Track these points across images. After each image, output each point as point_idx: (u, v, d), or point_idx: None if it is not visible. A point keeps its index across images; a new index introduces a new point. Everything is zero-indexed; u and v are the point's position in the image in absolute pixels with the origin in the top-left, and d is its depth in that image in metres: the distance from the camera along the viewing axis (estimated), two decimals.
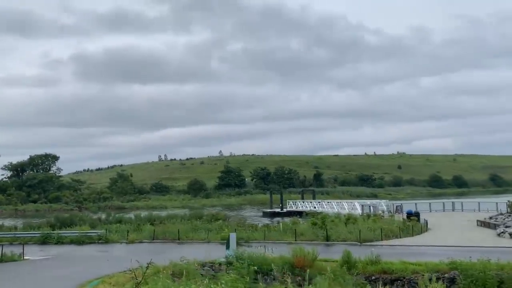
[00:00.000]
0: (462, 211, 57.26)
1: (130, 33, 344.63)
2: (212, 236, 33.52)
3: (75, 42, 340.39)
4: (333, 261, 20.77)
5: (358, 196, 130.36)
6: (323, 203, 68.13)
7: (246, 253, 20.42)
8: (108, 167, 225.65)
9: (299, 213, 71.55)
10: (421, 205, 56.89)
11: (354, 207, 59.13)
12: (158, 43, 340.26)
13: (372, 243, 29.34)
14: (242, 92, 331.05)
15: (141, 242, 34.15)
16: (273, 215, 73.40)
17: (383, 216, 42.87)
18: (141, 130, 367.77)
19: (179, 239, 33.55)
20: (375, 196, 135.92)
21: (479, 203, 56.85)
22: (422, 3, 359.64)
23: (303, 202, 75.27)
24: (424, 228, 35.14)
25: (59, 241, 35.56)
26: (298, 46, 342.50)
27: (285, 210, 75.82)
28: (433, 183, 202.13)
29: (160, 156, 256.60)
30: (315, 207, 69.37)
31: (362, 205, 54.93)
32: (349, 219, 37.36)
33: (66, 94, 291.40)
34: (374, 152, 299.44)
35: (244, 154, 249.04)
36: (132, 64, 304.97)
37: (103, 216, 49.08)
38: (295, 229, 31.95)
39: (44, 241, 35.80)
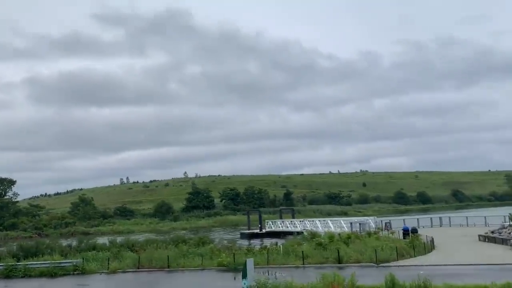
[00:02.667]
0: (450, 226, 55.96)
1: (85, 56, 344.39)
2: (207, 262, 29.84)
3: (28, 66, 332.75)
4: (371, 287, 17.76)
5: (329, 214, 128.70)
6: (306, 222, 65.17)
7: (270, 283, 17.18)
8: (68, 192, 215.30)
9: (280, 234, 68.53)
10: (409, 221, 54.99)
11: (340, 225, 56.64)
12: (114, 66, 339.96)
13: (389, 264, 26.60)
14: (202, 114, 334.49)
15: (124, 271, 30.00)
16: (252, 236, 69.87)
17: (377, 234, 40.30)
18: (100, 153, 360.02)
19: (168, 267, 29.63)
20: (345, 214, 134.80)
21: (467, 217, 55.79)
22: (369, 29, 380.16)
23: (283, 222, 72.02)
24: (430, 246, 32.73)
25: (27, 274, 30.93)
26: (255, 70, 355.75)
27: (264, 231, 72.43)
28: (398, 200, 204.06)
29: (122, 179, 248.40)
30: (296, 227, 66.49)
31: (351, 223, 52.39)
32: (350, 237, 34.51)
33: (20, 117, 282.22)
34: (338, 171, 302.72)
35: (210, 175, 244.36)
36: (88, 87, 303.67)
37: (74, 243, 44.06)
38: (302, 251, 28.75)
39: (8, 274, 30.99)
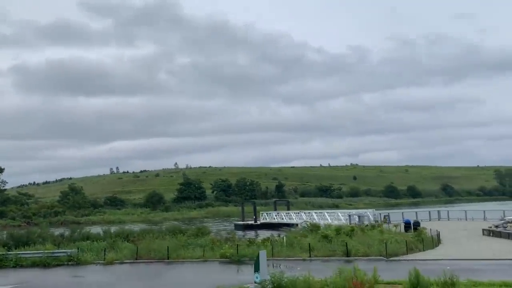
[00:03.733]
0: (449, 220, 55.45)
1: (73, 45, 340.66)
2: (208, 253, 28.67)
3: (15, 53, 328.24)
4: (394, 283, 16.73)
5: (320, 207, 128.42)
6: (302, 214, 64.29)
7: (286, 278, 16.09)
8: (56, 180, 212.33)
9: (275, 225, 67.59)
10: (407, 214, 54.34)
11: (337, 217, 55.87)
12: (103, 55, 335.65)
13: (399, 258, 25.70)
14: (191, 105, 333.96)
15: (122, 262, 28.71)
16: (247, 228, 68.88)
17: (380, 227, 39.44)
18: (88, 142, 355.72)
19: (168, 258, 28.40)
20: (336, 207, 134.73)
21: (465, 211, 55.27)
22: (358, 25, 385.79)
23: (278, 214, 71.10)
24: (437, 240, 31.89)
25: (18, 264, 29.50)
26: (245, 62, 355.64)
27: (258, 222, 71.49)
28: (388, 193, 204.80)
29: (112, 169, 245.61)
30: (292, 219, 65.61)
31: (350, 216, 51.59)
32: (353, 230, 33.56)
33: (7, 105, 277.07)
34: (329, 164, 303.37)
35: (201, 166, 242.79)
36: (76, 76, 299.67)
37: (67, 232, 42.58)
38: (308, 244, 27.70)
39: None
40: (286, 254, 26.95)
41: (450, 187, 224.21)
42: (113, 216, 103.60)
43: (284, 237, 30.93)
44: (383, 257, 25.63)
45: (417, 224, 40.30)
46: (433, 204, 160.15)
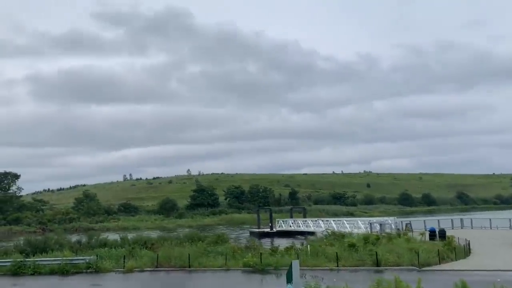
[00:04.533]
0: (472, 228, 53.78)
1: (86, 54, 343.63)
2: (230, 262, 27.76)
3: (29, 63, 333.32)
4: None
5: (335, 215, 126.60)
6: (320, 221, 63.02)
7: None
8: (70, 187, 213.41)
9: (292, 233, 66.43)
10: (429, 222, 52.88)
11: (357, 225, 54.54)
12: (115, 64, 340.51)
13: (432, 268, 24.52)
14: (202, 113, 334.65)
15: (142, 270, 27.91)
16: (262, 235, 67.75)
17: (406, 235, 38.18)
18: (101, 150, 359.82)
19: (189, 267, 27.54)
20: (351, 215, 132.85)
21: (490, 219, 53.61)
22: (367, 32, 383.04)
23: (294, 221, 69.89)
24: (467, 249, 30.55)
25: (36, 271, 28.85)
26: (255, 70, 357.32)
27: (274, 230, 70.36)
28: (403, 201, 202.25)
29: (125, 175, 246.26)
30: (309, 226, 64.39)
31: (371, 223, 50.29)
32: (378, 239, 32.41)
33: (22, 113, 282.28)
34: (342, 171, 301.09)
35: (213, 173, 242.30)
36: (89, 85, 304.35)
37: (84, 239, 42.01)
38: (336, 253, 26.64)
39: (16, 271, 28.96)
40: (312, 264, 25.89)
41: (466, 195, 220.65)
42: (127, 222, 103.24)
43: (308, 246, 29.86)
44: (415, 267, 24.48)
45: (443, 232, 38.99)
46: (449, 212, 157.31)
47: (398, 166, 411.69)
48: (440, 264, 25.33)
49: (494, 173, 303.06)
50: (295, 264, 17.47)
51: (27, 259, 30.58)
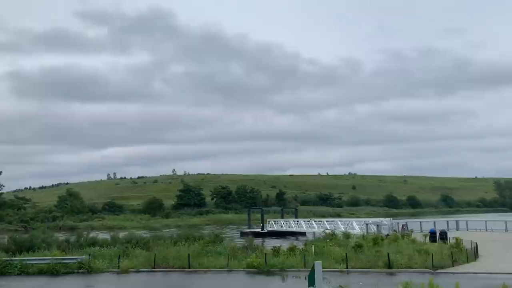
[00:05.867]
0: (467, 230, 53.26)
1: (69, 52, 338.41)
2: (233, 262, 26.30)
3: (11, 60, 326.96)
4: None
5: (322, 216, 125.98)
6: (313, 222, 61.89)
7: None
8: (53, 185, 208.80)
9: (283, 234, 65.20)
10: (426, 224, 52.28)
11: (351, 226, 53.53)
12: (98, 63, 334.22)
13: (445, 270, 23.43)
14: (187, 113, 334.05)
15: (138, 271, 26.26)
16: (253, 236, 66.33)
17: (408, 236, 37.21)
18: (84, 148, 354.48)
19: (189, 267, 25.99)
20: (338, 216, 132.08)
21: (485, 222, 53.16)
22: (349, 37, 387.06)
23: (286, 221, 68.64)
24: (475, 252, 29.61)
25: (23, 271, 26.94)
26: (239, 71, 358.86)
27: (265, 230, 69.04)
28: (388, 203, 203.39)
29: (109, 174, 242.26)
30: (301, 227, 63.24)
31: (367, 224, 49.32)
32: (382, 240, 31.30)
33: (4, 110, 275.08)
34: (327, 173, 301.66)
35: (199, 173, 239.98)
36: (71, 83, 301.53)
37: (73, 237, 40.01)
38: (345, 254, 25.36)
39: (1, 271, 26.96)
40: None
41: (450, 198, 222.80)
42: (113, 222, 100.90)
43: (313, 246, 28.57)
44: (429, 270, 23.35)
45: (444, 234, 38.17)
46: (433, 214, 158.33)
47: (382, 169, 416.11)
48: (453, 266, 24.27)
49: (476, 177, 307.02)
50: (318, 265, 16.11)
51: (13, 258, 28.64)
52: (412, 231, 43.60)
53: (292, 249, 28.43)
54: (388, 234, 41.64)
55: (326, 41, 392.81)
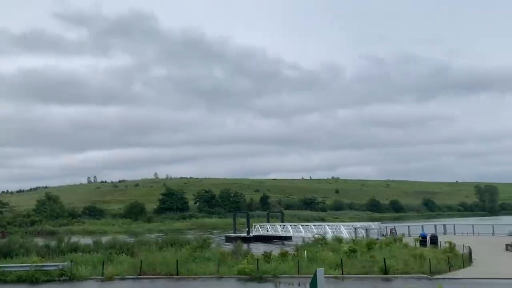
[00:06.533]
0: (455, 234, 53.09)
1: (47, 54, 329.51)
2: (223, 269, 25.25)
3: None
4: None
5: (307, 220, 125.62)
6: (300, 226, 61.12)
7: None
8: (31, 189, 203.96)
9: (269, 238, 64.34)
10: (414, 228, 51.97)
11: (339, 230, 52.89)
12: (77, 65, 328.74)
13: (442, 276, 22.80)
14: (168, 116, 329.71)
15: (123, 278, 25.02)
16: (239, 240, 65.28)
17: (401, 240, 36.67)
18: (63, 151, 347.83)
19: (177, 274, 24.86)
20: (322, 220, 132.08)
21: (472, 226, 53.14)
22: (330, 43, 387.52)
23: (273, 226, 67.75)
24: (468, 257, 29.11)
25: (1, 279, 25.46)
26: (221, 75, 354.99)
27: (251, 235, 68.02)
28: (371, 207, 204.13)
29: (90, 178, 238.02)
30: (288, 231, 62.43)
31: (356, 228, 48.72)
32: (374, 244, 30.62)
33: None
34: (310, 177, 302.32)
35: (182, 177, 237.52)
36: (50, 85, 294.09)
37: (53, 242, 38.44)
38: (341, 259, 24.54)
39: None
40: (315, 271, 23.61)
41: (432, 202, 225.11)
42: (93, 226, 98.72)
43: (305, 252, 27.70)
44: (425, 275, 22.71)
45: (434, 238, 37.79)
46: (415, 218, 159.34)
47: (364, 173, 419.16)
48: (450, 272, 23.67)
49: (457, 181, 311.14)
50: (320, 272, 15.26)
51: None
52: (403, 235, 42.97)
53: (284, 255, 27.52)
54: (377, 239, 41.09)
55: (308, 47, 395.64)
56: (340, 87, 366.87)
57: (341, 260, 24.31)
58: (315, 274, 15.61)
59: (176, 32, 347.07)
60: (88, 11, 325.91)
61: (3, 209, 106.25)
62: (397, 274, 23.07)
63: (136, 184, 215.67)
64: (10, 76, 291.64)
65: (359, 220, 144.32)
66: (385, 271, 23.02)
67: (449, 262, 24.35)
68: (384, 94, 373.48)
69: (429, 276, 22.53)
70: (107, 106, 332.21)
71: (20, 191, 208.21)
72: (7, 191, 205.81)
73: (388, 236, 46.71)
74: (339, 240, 35.04)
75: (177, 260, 25.27)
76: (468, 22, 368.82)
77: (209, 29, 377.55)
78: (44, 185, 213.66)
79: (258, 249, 44.37)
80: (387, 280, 22.40)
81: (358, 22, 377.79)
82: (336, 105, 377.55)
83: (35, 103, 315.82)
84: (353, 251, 27.00)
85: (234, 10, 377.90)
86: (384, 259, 23.66)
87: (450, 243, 30.00)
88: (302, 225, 61.78)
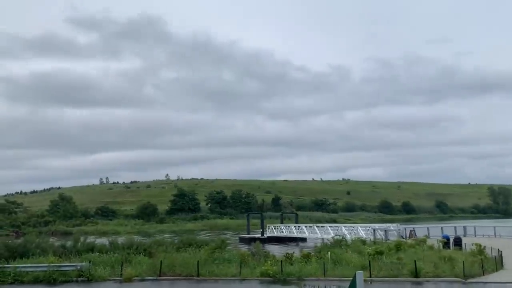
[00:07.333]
0: (475, 236, 51.73)
1: (59, 58, 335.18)
2: (245, 270, 24.46)
3: (1, 65, 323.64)
4: None
5: (319, 221, 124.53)
6: (315, 227, 60.15)
7: None
8: (45, 190, 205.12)
9: (284, 239, 63.47)
10: (433, 230, 50.75)
11: (356, 231, 51.84)
12: (89, 68, 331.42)
13: (476, 280, 21.79)
14: (178, 118, 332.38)
15: (142, 279, 24.33)
16: (253, 241, 64.50)
17: (425, 242, 35.56)
18: (76, 153, 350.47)
19: (198, 276, 24.12)
20: (334, 221, 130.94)
21: (494, 228, 51.73)
22: (338, 45, 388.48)
23: (288, 227, 66.82)
24: (499, 260, 27.92)
25: (18, 279, 24.91)
26: (230, 78, 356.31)
27: (265, 236, 67.19)
28: (383, 209, 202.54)
29: (102, 179, 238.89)
30: (303, 232, 61.50)
31: (374, 230, 47.68)
32: (401, 246, 29.64)
33: None
34: (321, 178, 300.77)
35: (193, 178, 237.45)
36: (62, 88, 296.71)
37: (69, 242, 37.96)
38: (369, 261, 23.63)
39: None
40: (341, 273, 22.79)
41: (444, 204, 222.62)
42: (106, 226, 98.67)
43: (329, 253, 26.81)
44: (459, 278, 21.70)
45: (458, 240, 36.68)
46: (428, 220, 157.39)
47: (375, 175, 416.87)
48: (484, 275, 22.63)
49: (469, 183, 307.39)
50: (359, 275, 14.35)
51: (6, 265, 26.57)
52: (426, 237, 41.83)
53: (307, 256, 26.63)
54: (391, 240, 40.04)
55: (316, 49, 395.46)
56: (348, 89, 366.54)
57: (369, 262, 23.38)
58: (354, 277, 14.71)
59: (185, 35, 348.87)
60: (98, 15, 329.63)
61: (17, 210, 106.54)
62: (428, 277, 22.08)
63: (148, 185, 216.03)
64: (23, 80, 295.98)
65: (370, 222, 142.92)
66: (415, 274, 22.05)
67: (482, 265, 23.29)
68: (393, 95, 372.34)
69: (463, 280, 21.52)
70: (119, 109, 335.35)
71: (33, 192, 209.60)
72: (21, 192, 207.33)
73: (408, 238, 45.70)
74: (362, 241, 34.03)
75: (198, 261, 24.54)
76: (477, 23, 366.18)
77: (218, 32, 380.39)
78: (57, 186, 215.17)
79: (273, 250, 43.53)
80: (418, 283, 21.45)
81: (365, 24, 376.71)
82: (344, 107, 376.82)
83: (47, 106, 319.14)
84: (380, 253, 26.05)
85: (242, 13, 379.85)
86: (415, 261, 22.69)
87: (479, 245, 28.86)
88: (317, 226, 60.77)
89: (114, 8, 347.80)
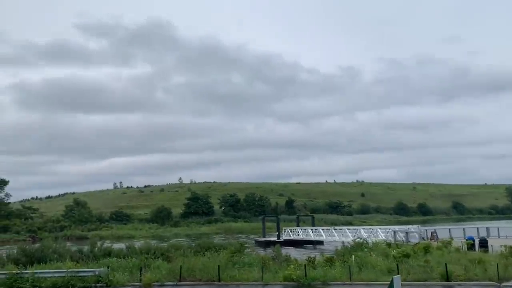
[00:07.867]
0: (499, 237, 50.30)
1: (71, 64, 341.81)
2: (267, 275, 23.71)
3: (14, 72, 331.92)
4: None
5: (334, 224, 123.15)
6: (333, 230, 59.12)
7: None
8: (60, 195, 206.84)
9: (300, 243, 62.56)
10: (454, 231, 49.49)
11: (375, 234, 50.70)
12: (100, 74, 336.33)
13: (511, 283, 20.76)
14: (189, 122, 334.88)
15: (162, 285, 23.72)
16: (269, 244, 63.68)
17: (450, 244, 34.47)
18: (89, 158, 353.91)
19: (219, 280, 23.45)
20: (350, 224, 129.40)
21: None
22: (347, 46, 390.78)
23: (304, 230, 65.86)
24: None
25: (36, 285, 24.45)
26: (239, 81, 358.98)
27: (281, 239, 66.28)
28: (398, 211, 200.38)
29: (115, 183, 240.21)
30: (321, 235, 60.50)
31: (395, 232, 46.56)
32: (429, 248, 28.63)
33: (8, 122, 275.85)
34: (334, 180, 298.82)
35: (206, 181, 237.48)
36: (74, 94, 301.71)
37: (86, 247, 37.63)
38: (397, 265, 22.73)
39: (11, 285, 24.52)
40: (368, 278, 21.93)
41: (461, 205, 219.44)
42: (121, 231, 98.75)
43: (353, 256, 25.96)
44: (493, 282, 20.70)
45: (484, 241, 35.51)
46: (444, 222, 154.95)
47: (389, 176, 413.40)
48: None
49: (486, 183, 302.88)
50: (397, 280, 13.62)
51: (24, 271, 26.16)
52: (452, 238, 40.65)
53: (330, 260, 25.79)
54: (419, 242, 38.93)
55: (325, 51, 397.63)
56: (359, 90, 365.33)
57: (397, 265, 22.48)
58: (391, 282, 13.99)
59: (194, 39, 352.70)
60: (108, 22, 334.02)
61: (33, 215, 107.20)
62: (460, 280, 21.11)
63: (161, 189, 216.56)
64: (36, 87, 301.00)
65: (386, 224, 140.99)
66: (446, 277, 21.10)
67: None
68: (404, 96, 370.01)
69: (498, 284, 20.52)
70: (131, 114, 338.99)
71: (48, 197, 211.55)
72: (36, 197, 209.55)
73: (429, 240, 44.57)
74: (388, 244, 33.06)
75: (218, 266, 23.85)
76: (488, 22, 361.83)
77: (226, 36, 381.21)
78: (72, 191, 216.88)
79: (292, 254, 42.70)
80: (450, 287, 20.51)
81: (376, 24, 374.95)
82: (355, 108, 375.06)
83: (60, 112, 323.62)
84: (406, 255, 25.12)
85: (250, 16, 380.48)
86: (446, 264, 21.73)
87: (510, 247, 27.75)
88: (335, 229, 59.72)
89: (124, 14, 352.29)
